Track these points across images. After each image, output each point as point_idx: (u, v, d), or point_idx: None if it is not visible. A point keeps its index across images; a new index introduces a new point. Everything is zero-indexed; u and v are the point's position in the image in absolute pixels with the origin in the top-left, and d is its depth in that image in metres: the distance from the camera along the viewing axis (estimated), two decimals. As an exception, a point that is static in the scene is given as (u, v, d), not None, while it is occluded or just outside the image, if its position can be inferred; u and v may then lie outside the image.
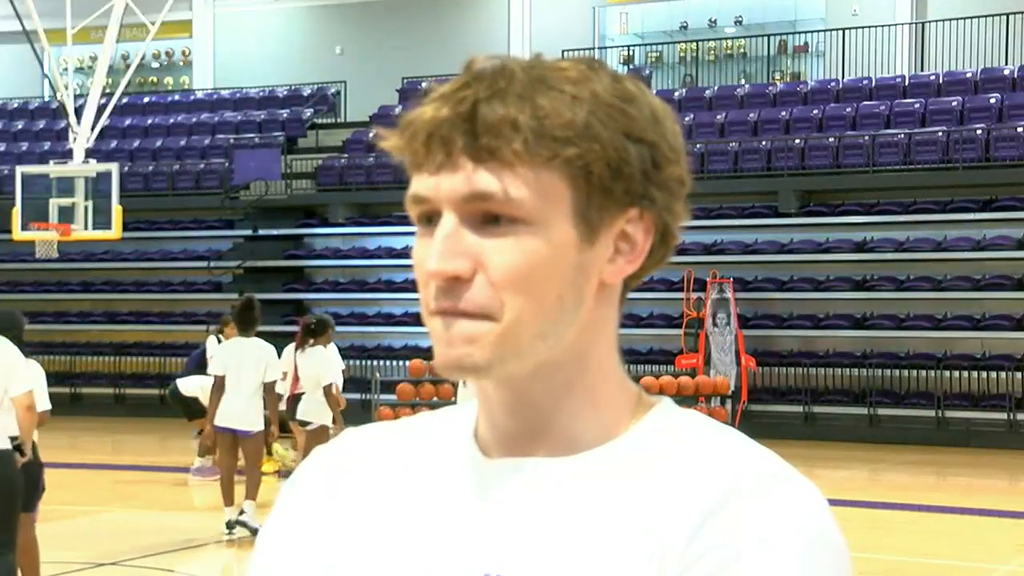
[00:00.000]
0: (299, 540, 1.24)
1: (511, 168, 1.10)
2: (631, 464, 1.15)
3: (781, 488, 1.11)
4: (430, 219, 1.14)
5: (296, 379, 11.85)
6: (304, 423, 11.74)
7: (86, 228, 19.52)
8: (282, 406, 11.92)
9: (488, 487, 1.17)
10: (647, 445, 1.16)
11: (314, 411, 11.57)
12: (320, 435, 11.18)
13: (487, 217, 1.11)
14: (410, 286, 22.01)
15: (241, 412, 10.50)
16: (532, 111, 1.10)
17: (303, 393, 11.76)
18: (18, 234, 19.71)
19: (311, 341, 11.79)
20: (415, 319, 14.49)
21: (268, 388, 10.65)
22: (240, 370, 10.51)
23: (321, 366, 11.70)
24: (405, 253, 22.47)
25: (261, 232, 23.69)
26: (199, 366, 13.99)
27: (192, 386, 13.88)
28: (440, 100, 1.12)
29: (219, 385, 10.59)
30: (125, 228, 20.07)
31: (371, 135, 24.36)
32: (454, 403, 14.50)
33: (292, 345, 12.24)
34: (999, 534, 11.75)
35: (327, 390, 11.55)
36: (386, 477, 1.23)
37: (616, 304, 1.19)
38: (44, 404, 7.48)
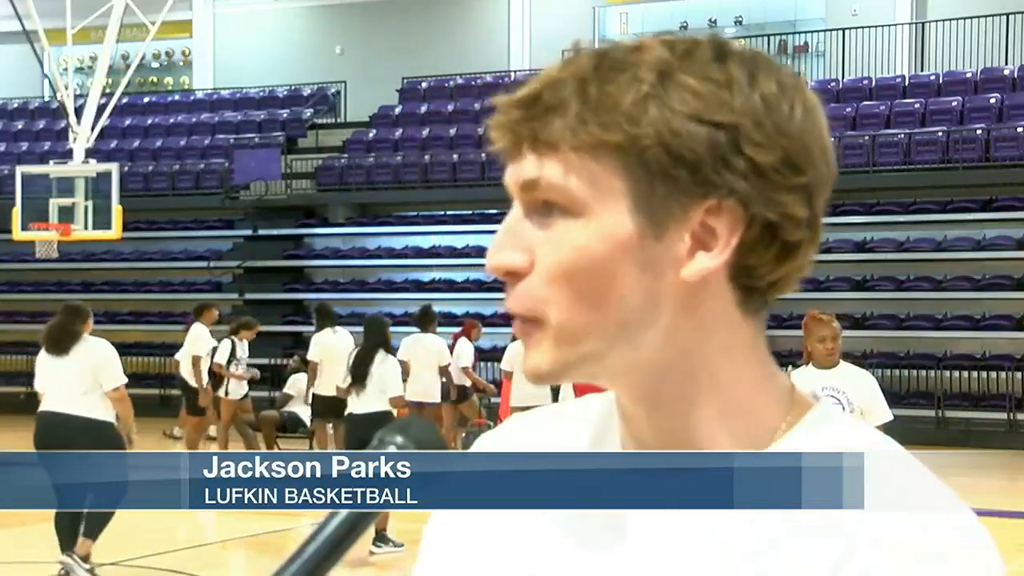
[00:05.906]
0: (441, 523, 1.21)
1: (555, 154, 1.03)
2: None
3: (958, 552, 1.00)
4: None
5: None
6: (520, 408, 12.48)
7: (86, 228, 19.52)
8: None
9: None
10: None
11: (531, 395, 12.27)
12: None
13: (544, 208, 1.04)
14: (410, 286, 22.03)
15: (425, 388, 13.68)
16: (584, 96, 1.02)
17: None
18: (18, 234, 19.70)
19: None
20: (415, 320, 14.58)
21: (441, 371, 13.95)
22: (421, 357, 13.78)
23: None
24: (405, 253, 22.47)
25: (261, 232, 23.69)
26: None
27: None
28: (522, 87, 1.07)
29: (405, 370, 13.25)
30: (125, 228, 20.07)
31: (371, 135, 24.37)
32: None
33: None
34: (999, 534, 11.57)
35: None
36: None
37: (732, 307, 1.06)
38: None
